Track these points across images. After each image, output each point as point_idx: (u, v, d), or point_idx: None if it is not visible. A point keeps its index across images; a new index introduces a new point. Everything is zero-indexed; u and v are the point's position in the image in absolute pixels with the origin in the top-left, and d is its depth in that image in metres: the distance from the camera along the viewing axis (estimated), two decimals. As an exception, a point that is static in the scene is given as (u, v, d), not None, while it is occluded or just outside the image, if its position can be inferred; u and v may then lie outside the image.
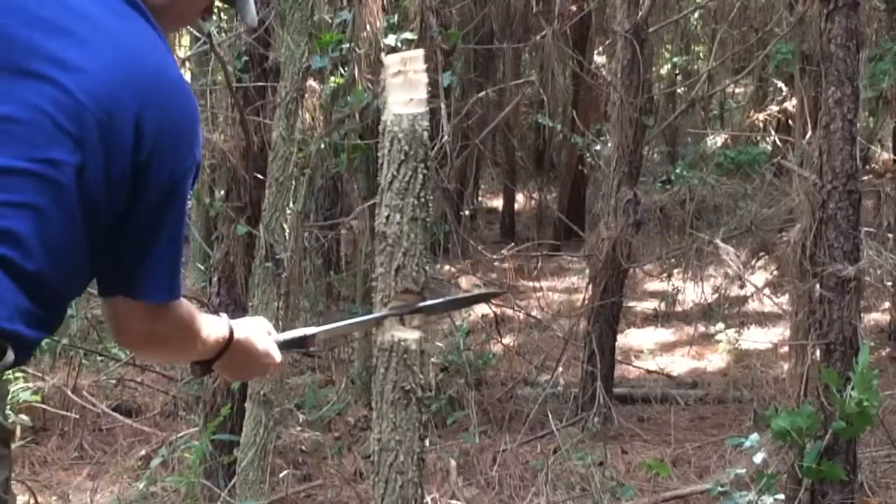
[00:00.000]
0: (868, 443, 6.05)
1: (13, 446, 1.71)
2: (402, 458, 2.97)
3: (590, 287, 7.46)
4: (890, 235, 7.46)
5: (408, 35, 5.93)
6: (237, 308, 5.53)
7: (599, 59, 14.01)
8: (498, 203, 16.62)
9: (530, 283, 10.51)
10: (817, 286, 4.88)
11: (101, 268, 1.74)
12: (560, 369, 7.84)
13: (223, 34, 6.68)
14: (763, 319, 9.98)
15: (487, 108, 10.87)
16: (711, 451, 6.44)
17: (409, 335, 2.94)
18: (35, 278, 1.60)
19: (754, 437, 4.90)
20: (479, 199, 17.01)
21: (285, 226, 5.00)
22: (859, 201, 4.95)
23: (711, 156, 10.74)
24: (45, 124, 1.60)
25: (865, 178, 7.55)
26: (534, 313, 9.22)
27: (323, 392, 7.26)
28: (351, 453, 6.37)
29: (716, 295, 9.79)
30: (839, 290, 4.84)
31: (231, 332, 2.01)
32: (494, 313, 8.76)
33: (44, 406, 6.38)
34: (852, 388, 4.53)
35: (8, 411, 1.72)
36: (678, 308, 10.65)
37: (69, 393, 6.61)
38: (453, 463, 5.97)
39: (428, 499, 5.20)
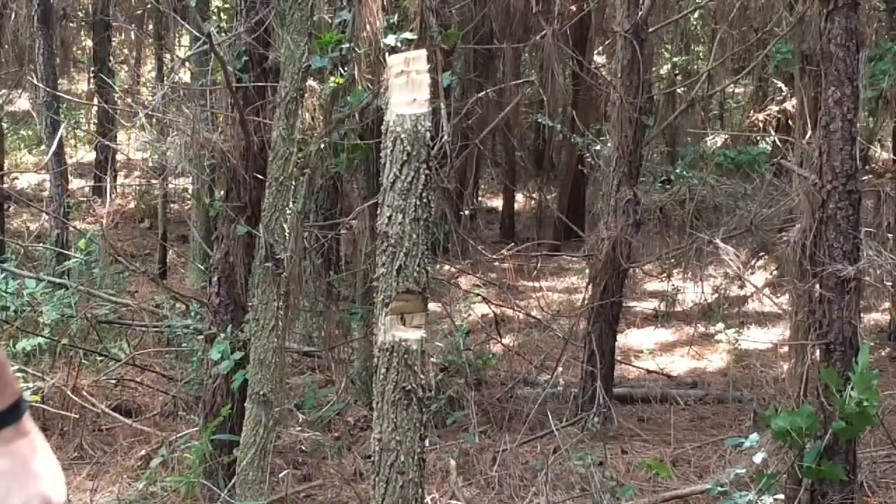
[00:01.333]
0: (868, 443, 6.05)
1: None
2: (402, 458, 2.97)
3: (590, 287, 7.46)
4: (890, 235, 7.45)
5: (408, 35, 5.92)
6: (237, 308, 5.54)
7: (599, 59, 14.03)
8: (498, 203, 16.62)
9: (530, 283, 10.52)
10: (817, 286, 4.88)
11: None
12: (560, 369, 7.84)
13: (223, 34, 6.67)
14: (763, 319, 9.99)
15: (487, 108, 10.88)
16: (711, 451, 6.45)
17: (411, 335, 2.94)
18: None
19: (754, 437, 4.90)
20: (479, 199, 17.02)
21: (285, 226, 4.99)
22: (859, 201, 4.96)
23: (711, 156, 10.74)
24: None
25: (865, 178, 7.54)
26: (534, 313, 9.23)
27: (323, 392, 7.26)
28: (351, 453, 6.37)
29: (716, 295, 9.79)
30: (839, 290, 4.84)
31: (21, 401, 1.45)
32: (494, 313, 8.76)
33: (43, 406, 6.38)
34: (852, 388, 4.53)
35: None
36: (678, 308, 10.66)
37: (69, 393, 6.61)
38: (453, 463, 5.97)
39: (428, 499, 5.20)
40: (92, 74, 15.83)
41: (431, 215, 2.98)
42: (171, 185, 13.36)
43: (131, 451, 6.21)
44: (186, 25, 9.01)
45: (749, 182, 9.21)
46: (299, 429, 6.63)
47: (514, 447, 6.33)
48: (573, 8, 10.01)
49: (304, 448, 6.44)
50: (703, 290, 9.18)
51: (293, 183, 4.99)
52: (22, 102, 16.46)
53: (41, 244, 10.75)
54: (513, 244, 10.51)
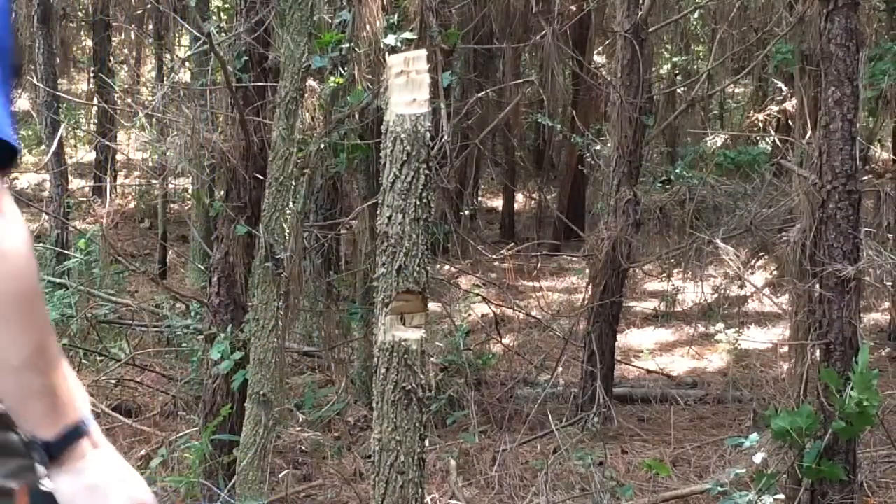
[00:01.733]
0: (868, 443, 6.05)
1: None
2: (402, 458, 2.97)
3: (590, 287, 7.46)
4: (890, 235, 7.45)
5: (408, 35, 5.92)
6: (237, 308, 5.54)
7: (599, 59, 14.02)
8: (498, 203, 16.63)
9: (530, 283, 10.52)
10: (817, 286, 4.88)
11: None
12: (560, 369, 7.84)
13: (223, 34, 6.68)
14: (763, 319, 9.99)
15: (487, 108, 10.88)
16: (711, 451, 6.45)
17: (410, 335, 2.94)
18: None
19: (754, 437, 4.90)
20: (479, 199, 17.02)
21: (285, 226, 4.99)
22: (859, 201, 4.96)
23: (711, 156, 10.74)
24: None
25: (865, 178, 7.54)
26: (534, 313, 9.22)
27: (323, 392, 7.26)
28: (351, 453, 6.38)
29: (716, 295, 9.79)
30: (839, 290, 4.84)
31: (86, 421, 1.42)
32: (494, 313, 8.76)
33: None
34: (852, 388, 4.53)
35: None
36: (678, 308, 10.66)
37: (69, 393, 6.60)
38: (453, 463, 5.97)
39: (428, 499, 5.20)
40: (92, 74, 15.83)
41: (431, 215, 2.98)
42: (171, 185, 13.36)
43: (131, 451, 6.21)
44: (186, 25, 9.00)
45: (749, 182, 9.20)
46: (299, 429, 6.63)
47: (514, 447, 6.33)
48: (573, 8, 10.01)
49: (304, 448, 6.44)
50: (703, 290, 9.18)
51: (293, 183, 4.99)
52: (22, 102, 16.46)
53: (41, 244, 10.75)
54: (513, 244, 10.51)
